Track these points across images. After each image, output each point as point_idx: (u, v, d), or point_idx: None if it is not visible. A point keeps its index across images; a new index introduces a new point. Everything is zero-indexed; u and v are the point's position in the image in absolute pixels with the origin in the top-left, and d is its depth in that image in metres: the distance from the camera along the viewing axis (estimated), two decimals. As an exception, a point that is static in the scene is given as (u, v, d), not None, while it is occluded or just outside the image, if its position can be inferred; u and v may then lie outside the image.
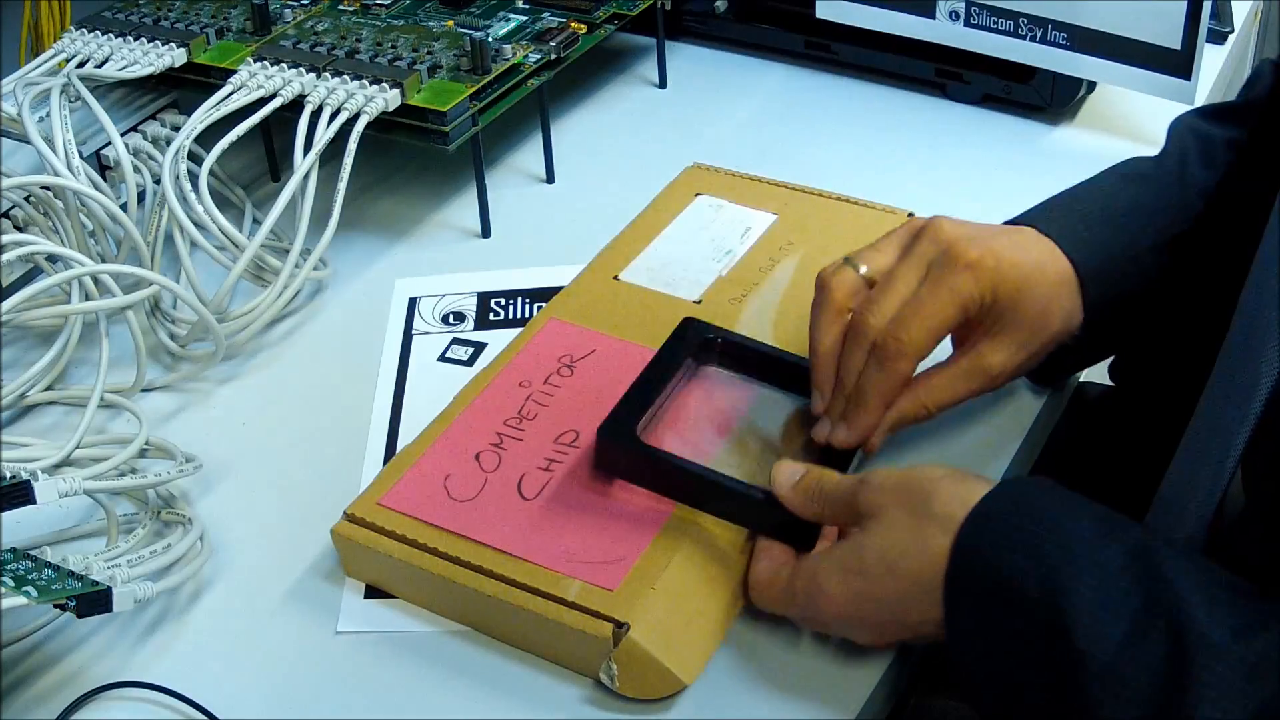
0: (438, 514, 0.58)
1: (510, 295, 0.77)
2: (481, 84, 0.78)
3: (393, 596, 0.59)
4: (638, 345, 0.66)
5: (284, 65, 0.79)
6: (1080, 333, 0.60)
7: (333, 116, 0.75)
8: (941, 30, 0.88)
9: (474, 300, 0.76)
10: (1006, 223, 0.62)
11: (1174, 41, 0.80)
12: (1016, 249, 0.58)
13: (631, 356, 0.65)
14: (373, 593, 0.59)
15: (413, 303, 0.77)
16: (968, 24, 0.87)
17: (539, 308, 0.72)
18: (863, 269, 0.59)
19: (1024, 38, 0.85)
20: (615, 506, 0.58)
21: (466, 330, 0.74)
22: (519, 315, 0.75)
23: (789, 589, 0.54)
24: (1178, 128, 0.68)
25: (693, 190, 0.78)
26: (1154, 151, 0.67)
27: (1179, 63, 0.81)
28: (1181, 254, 0.62)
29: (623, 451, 0.58)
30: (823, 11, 0.92)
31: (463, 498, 0.59)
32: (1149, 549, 0.47)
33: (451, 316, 0.76)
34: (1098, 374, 0.74)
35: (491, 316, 0.75)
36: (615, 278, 0.71)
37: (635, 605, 0.53)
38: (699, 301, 0.69)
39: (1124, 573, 0.46)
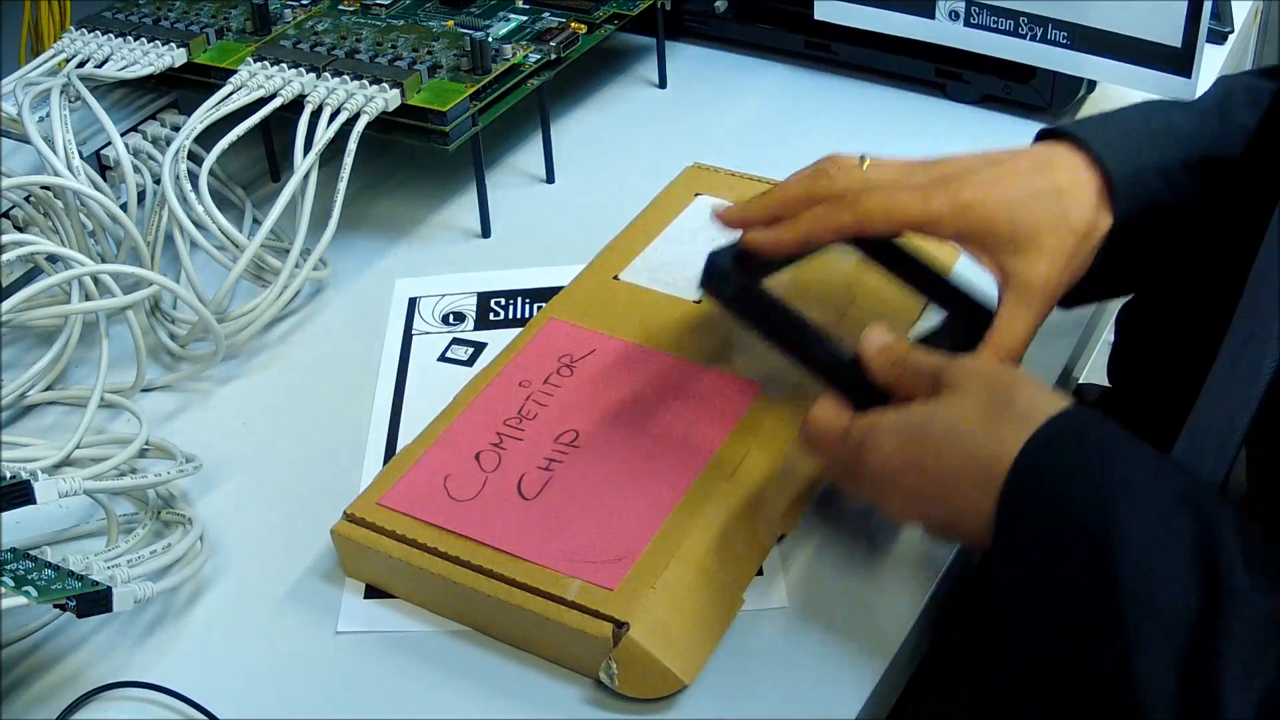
0: (437, 513, 0.58)
1: (510, 295, 0.77)
2: (481, 84, 0.78)
3: (392, 597, 0.59)
4: (638, 345, 0.66)
5: (284, 65, 0.79)
6: (1110, 243, 0.60)
7: (333, 116, 0.75)
8: (941, 30, 0.88)
9: (474, 300, 0.77)
10: (1040, 133, 0.62)
11: (1174, 40, 0.80)
12: (1015, 186, 0.58)
13: (631, 356, 0.65)
14: (372, 593, 0.59)
15: (413, 303, 0.77)
16: (967, 24, 0.87)
17: (539, 308, 0.72)
18: (866, 162, 0.61)
19: (1024, 37, 0.85)
20: (615, 506, 0.58)
21: (466, 330, 0.74)
22: (519, 315, 0.75)
23: (843, 436, 0.54)
24: (1223, 80, 0.67)
25: (692, 190, 0.78)
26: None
27: (1179, 61, 0.81)
28: (1214, 182, 0.61)
29: (733, 278, 0.59)
30: (821, 12, 0.92)
31: (462, 497, 0.59)
32: (1200, 492, 0.47)
33: (451, 316, 0.76)
34: (1098, 374, 0.74)
35: (491, 316, 0.75)
36: (615, 278, 0.71)
37: (635, 605, 0.53)
38: (699, 301, 0.69)
39: (1175, 511, 0.46)
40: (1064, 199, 0.58)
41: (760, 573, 0.58)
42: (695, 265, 0.71)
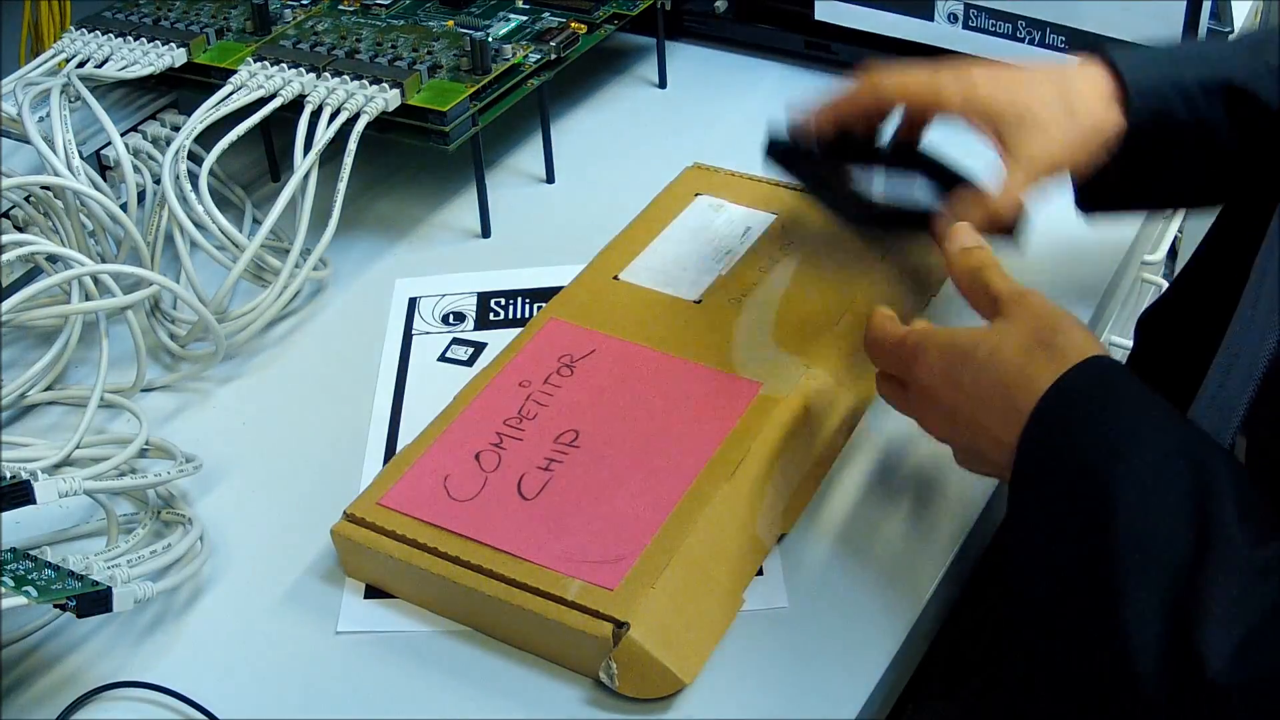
0: (437, 513, 0.58)
1: (510, 295, 0.77)
2: (481, 84, 0.78)
3: (392, 597, 0.59)
4: (638, 345, 0.66)
5: (284, 65, 0.79)
6: (1125, 145, 0.63)
7: (333, 116, 0.75)
8: (940, 33, 0.88)
9: (474, 300, 0.77)
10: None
11: (1174, 41, 0.80)
12: (1025, 78, 0.63)
13: (631, 356, 0.65)
14: (372, 593, 0.59)
15: (413, 303, 0.77)
16: (966, 26, 0.87)
17: (539, 308, 0.72)
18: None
19: (1022, 40, 0.85)
20: (615, 506, 0.58)
21: (466, 330, 0.74)
22: (519, 315, 0.75)
23: (900, 341, 0.56)
24: (1272, 28, 0.71)
25: (692, 190, 0.78)
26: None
27: (1178, 63, 0.81)
28: (1234, 109, 0.63)
29: (805, 151, 0.69)
30: (821, 13, 0.92)
31: (462, 497, 0.59)
32: (1204, 446, 0.48)
33: (451, 316, 0.76)
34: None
35: (491, 316, 0.75)
36: (615, 278, 0.71)
37: (635, 604, 0.53)
38: (699, 301, 0.69)
39: (1176, 463, 0.47)
40: (1071, 93, 0.62)
41: (760, 572, 0.58)
42: (696, 265, 0.71)
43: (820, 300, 0.68)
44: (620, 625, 0.52)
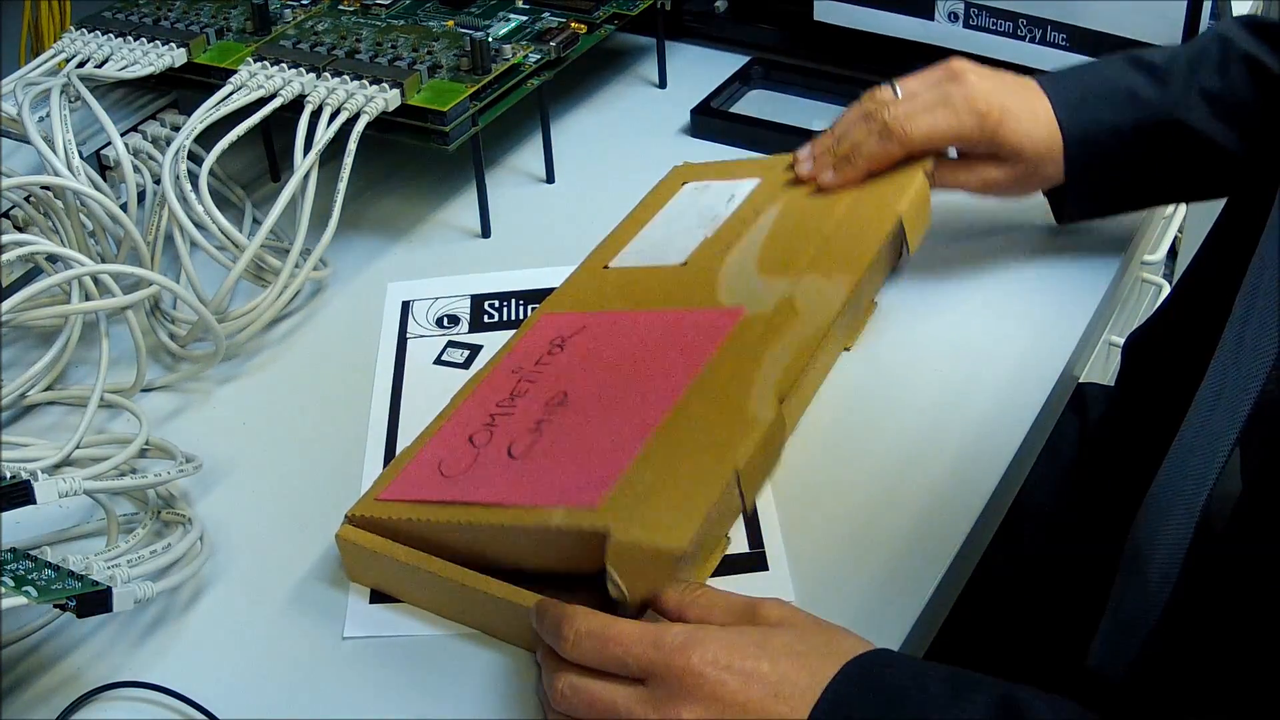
0: (431, 492, 0.58)
1: (504, 297, 0.76)
2: (481, 84, 0.78)
3: (398, 601, 0.59)
4: (626, 312, 0.66)
5: (284, 65, 0.79)
6: (1067, 182, 0.70)
7: (333, 116, 0.75)
8: (940, 32, 0.88)
9: (468, 303, 0.76)
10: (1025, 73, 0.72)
11: (1174, 40, 0.80)
12: (1023, 113, 0.69)
13: (620, 323, 0.65)
14: (377, 596, 0.59)
15: (406, 306, 0.77)
16: (967, 25, 0.87)
17: (533, 309, 0.72)
18: (898, 87, 0.72)
19: (1023, 39, 0.85)
20: (599, 443, 0.57)
21: (461, 333, 0.74)
22: (513, 317, 0.75)
23: (657, 636, 0.49)
24: (1212, 30, 0.72)
25: (680, 182, 0.79)
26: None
27: (1179, 63, 0.81)
28: (1167, 141, 0.69)
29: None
30: (821, 13, 0.92)
31: (456, 473, 0.58)
32: (1013, 698, 0.46)
33: (446, 319, 0.75)
34: (1098, 375, 0.75)
35: (486, 319, 0.75)
36: (605, 267, 0.72)
37: (614, 512, 0.52)
38: (685, 264, 0.69)
39: None
40: (1041, 156, 0.70)
41: (765, 567, 0.58)
42: (683, 235, 0.72)
43: (803, 230, 0.69)
44: (603, 535, 0.52)
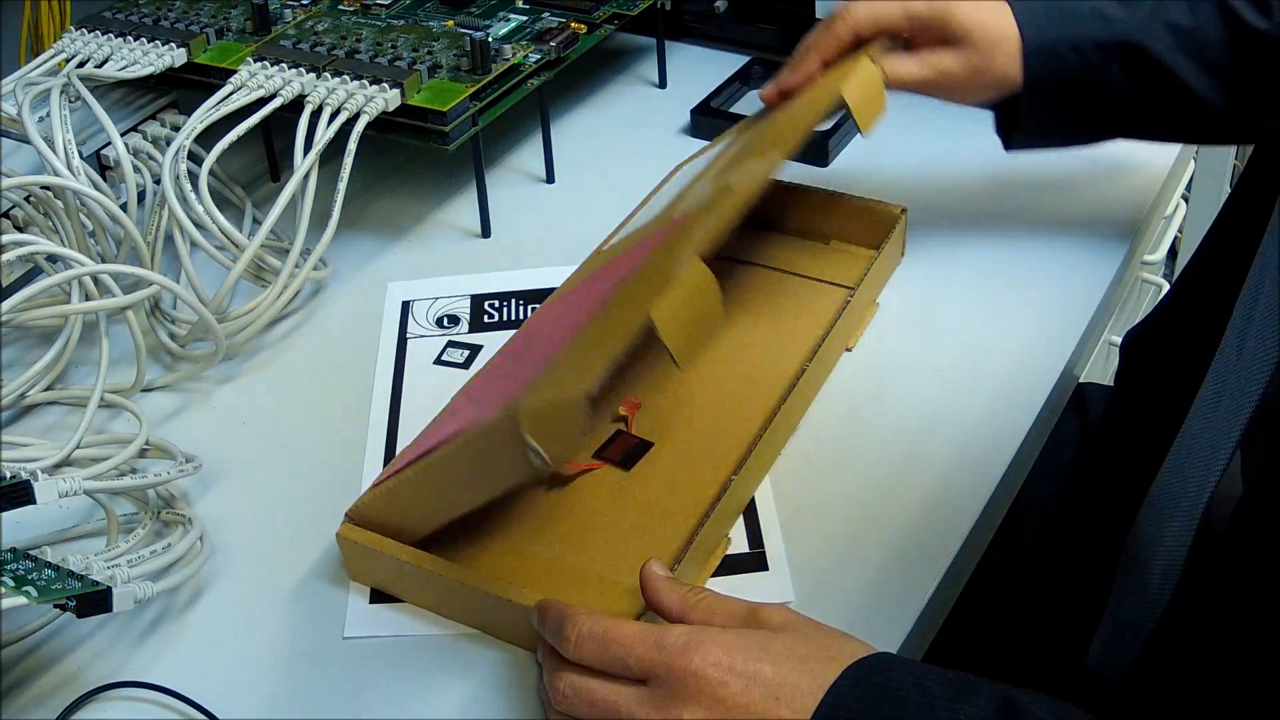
0: (401, 463, 0.58)
1: (504, 297, 0.77)
2: (481, 84, 0.78)
3: (398, 600, 0.59)
4: (605, 260, 0.68)
5: (284, 65, 0.79)
6: (1025, 96, 0.68)
7: (333, 116, 0.75)
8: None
9: (468, 303, 0.76)
10: None
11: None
12: (976, 9, 0.68)
13: (596, 270, 0.67)
14: (378, 596, 0.59)
15: (406, 306, 0.77)
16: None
17: (533, 309, 0.72)
18: None
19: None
20: (535, 359, 0.58)
21: (461, 333, 0.74)
22: (513, 317, 0.75)
23: (659, 637, 0.49)
24: None
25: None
26: (1149, 153, 0.68)
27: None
28: (1131, 66, 0.67)
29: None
30: (822, 13, 0.92)
31: (431, 444, 0.58)
32: (1013, 701, 0.46)
33: (446, 319, 0.75)
34: (1098, 374, 0.75)
35: (486, 319, 0.75)
36: (600, 250, 0.73)
37: (531, 394, 0.51)
38: (657, 216, 0.70)
39: None
40: (993, 50, 0.68)
41: (765, 567, 0.58)
42: (676, 190, 0.74)
43: (757, 135, 0.70)
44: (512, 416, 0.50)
